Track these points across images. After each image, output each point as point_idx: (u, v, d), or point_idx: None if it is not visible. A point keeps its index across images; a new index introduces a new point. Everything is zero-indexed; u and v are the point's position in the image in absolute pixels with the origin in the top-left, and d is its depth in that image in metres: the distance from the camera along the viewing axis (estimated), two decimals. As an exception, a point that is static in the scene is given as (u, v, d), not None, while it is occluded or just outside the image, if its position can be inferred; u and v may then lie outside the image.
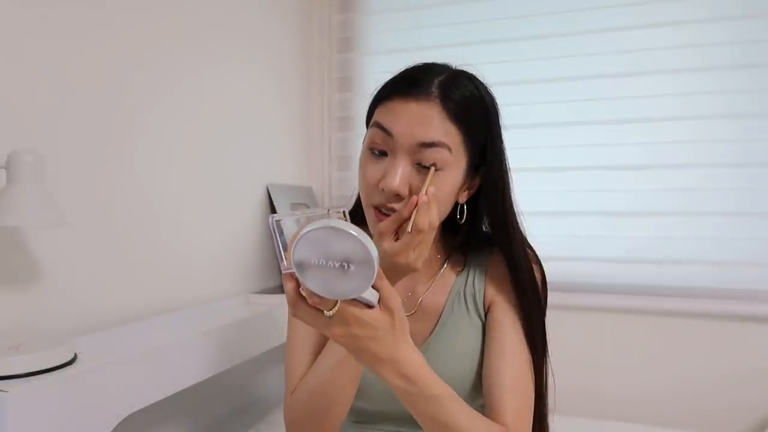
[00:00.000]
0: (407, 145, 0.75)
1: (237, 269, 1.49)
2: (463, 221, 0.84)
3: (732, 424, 1.49)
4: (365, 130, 0.84)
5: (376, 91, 0.83)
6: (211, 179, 1.38)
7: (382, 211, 0.77)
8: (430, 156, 0.75)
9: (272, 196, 1.62)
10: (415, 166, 0.76)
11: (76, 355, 0.85)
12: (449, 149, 0.76)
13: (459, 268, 0.92)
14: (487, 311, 0.88)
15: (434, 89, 0.77)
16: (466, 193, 0.84)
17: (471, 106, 0.79)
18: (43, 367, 0.77)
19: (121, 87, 1.11)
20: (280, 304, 1.36)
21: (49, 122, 0.97)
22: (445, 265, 0.91)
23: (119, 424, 0.87)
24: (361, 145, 0.84)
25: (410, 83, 0.78)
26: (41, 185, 0.83)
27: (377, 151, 0.78)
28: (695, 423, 1.50)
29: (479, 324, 0.87)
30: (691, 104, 1.55)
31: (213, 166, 1.39)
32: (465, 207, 0.84)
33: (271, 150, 1.68)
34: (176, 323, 1.13)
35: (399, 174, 0.75)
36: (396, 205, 0.76)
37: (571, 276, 1.63)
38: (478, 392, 0.84)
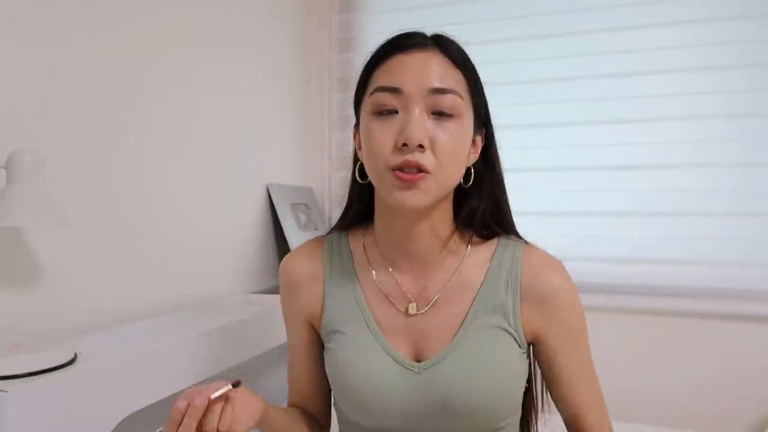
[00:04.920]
0: (419, 95, 0.71)
1: (237, 269, 1.49)
2: (469, 185, 0.79)
3: (732, 423, 1.49)
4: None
5: (365, 63, 0.78)
6: (211, 179, 1.38)
7: (404, 171, 0.71)
8: (443, 102, 0.72)
9: (272, 196, 1.62)
10: (431, 115, 0.72)
11: (76, 355, 0.85)
12: (461, 96, 0.73)
13: (480, 266, 0.81)
14: (527, 334, 0.79)
15: (429, 42, 0.75)
16: (472, 155, 0.79)
17: (468, 57, 0.78)
18: (43, 367, 0.77)
19: (120, 87, 1.11)
20: (279, 304, 1.36)
21: (49, 122, 0.97)
22: (465, 259, 0.81)
23: (119, 424, 0.87)
24: None
25: (404, 39, 0.75)
26: (41, 185, 0.83)
27: (386, 111, 0.73)
28: (695, 423, 1.50)
29: (509, 337, 0.78)
30: (692, 104, 1.55)
31: (213, 166, 1.39)
32: (471, 171, 0.79)
33: (271, 150, 1.68)
34: (176, 323, 1.13)
35: (420, 123, 0.71)
36: (420, 158, 0.70)
37: (572, 276, 1.62)
38: (501, 404, 0.76)
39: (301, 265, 0.86)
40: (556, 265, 0.82)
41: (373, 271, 0.82)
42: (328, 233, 0.89)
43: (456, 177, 0.75)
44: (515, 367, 0.78)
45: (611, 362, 1.60)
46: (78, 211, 1.02)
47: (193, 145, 1.32)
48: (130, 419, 0.89)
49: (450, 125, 0.72)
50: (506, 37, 1.70)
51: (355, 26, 1.86)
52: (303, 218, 1.71)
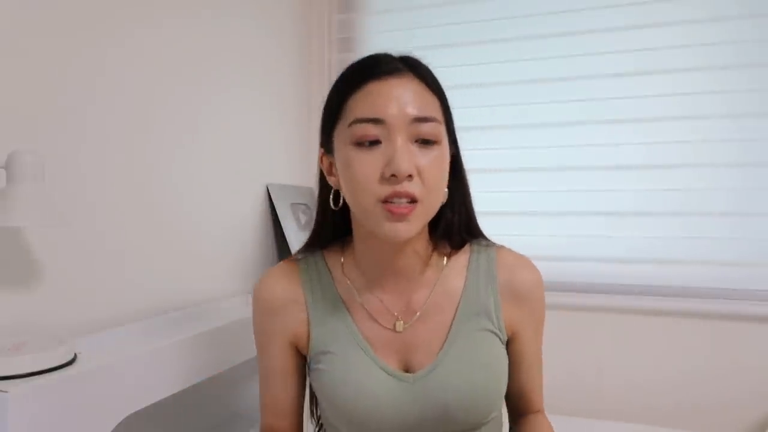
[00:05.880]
0: (401, 123, 0.71)
1: (237, 269, 1.49)
2: (443, 203, 0.79)
3: (731, 424, 1.49)
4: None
5: (335, 87, 0.77)
6: (211, 179, 1.38)
7: (394, 202, 0.70)
8: (425, 130, 0.72)
9: (272, 196, 1.62)
10: (414, 144, 0.72)
11: (76, 355, 0.85)
12: (439, 121, 0.74)
13: (458, 273, 0.84)
14: (507, 330, 0.83)
15: (401, 66, 0.74)
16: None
17: (438, 79, 0.78)
18: (43, 367, 0.77)
19: (120, 87, 1.11)
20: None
21: (49, 122, 0.97)
22: (444, 270, 0.83)
23: (119, 424, 0.87)
24: None
25: (375, 65, 0.74)
26: (41, 185, 0.83)
27: (368, 143, 0.72)
28: (695, 423, 1.50)
29: (494, 337, 0.81)
30: (692, 104, 1.55)
31: (213, 166, 1.39)
32: (447, 190, 0.80)
33: (271, 150, 1.68)
34: (176, 323, 1.13)
35: (407, 154, 0.70)
36: (408, 187, 0.70)
37: (571, 276, 1.63)
38: (494, 401, 0.80)
39: (280, 291, 0.84)
40: (528, 263, 0.86)
41: (356, 291, 0.83)
42: (301, 253, 0.88)
43: (440, 201, 0.77)
44: (501, 364, 0.81)
45: (611, 362, 1.60)
46: (78, 211, 1.02)
47: (193, 145, 1.32)
48: (130, 419, 0.89)
49: (433, 152, 0.73)
50: (506, 37, 1.69)
51: (355, 26, 1.86)
52: (303, 218, 1.71)
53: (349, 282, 0.83)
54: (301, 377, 0.88)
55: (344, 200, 0.79)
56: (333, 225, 0.86)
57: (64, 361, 0.81)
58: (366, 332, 0.80)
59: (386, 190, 0.70)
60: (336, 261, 0.85)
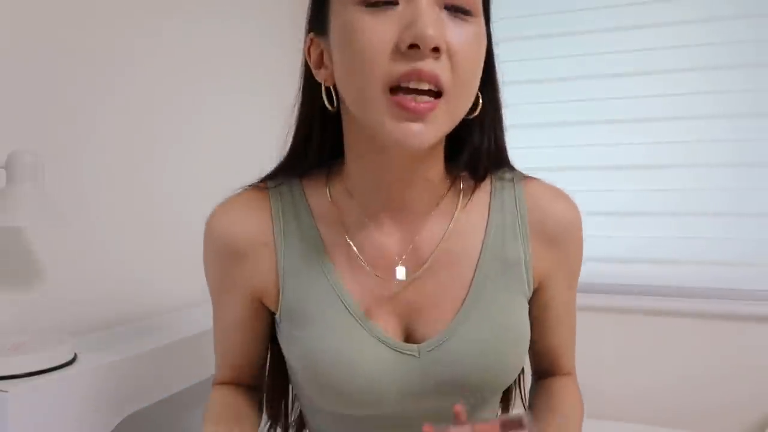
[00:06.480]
0: None
1: (237, 269, 1.49)
2: (476, 113, 0.60)
3: (731, 423, 1.49)
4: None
5: None
6: (211, 179, 1.38)
7: (410, 91, 0.51)
8: None
9: (272, 196, 1.62)
10: (444, 11, 0.53)
11: (76, 355, 0.85)
12: None
13: (479, 213, 0.66)
14: (535, 281, 0.67)
15: None
16: None
17: None
18: (43, 367, 0.78)
19: (120, 87, 1.11)
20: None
21: (49, 122, 0.97)
22: (458, 208, 0.65)
23: (119, 424, 0.87)
24: None
25: None
26: (41, 185, 0.83)
27: (381, 2, 0.52)
28: (694, 423, 1.50)
29: (521, 297, 0.65)
30: (691, 104, 1.55)
31: (213, 166, 1.39)
32: (479, 95, 0.59)
33: (271, 150, 1.67)
34: (176, 323, 1.13)
35: (434, 16, 0.51)
36: (435, 67, 0.51)
37: (571, 276, 1.63)
38: (515, 371, 0.65)
39: (244, 229, 0.65)
40: (563, 196, 0.70)
41: (345, 229, 0.63)
42: (271, 180, 0.71)
43: (468, 103, 0.57)
44: (526, 327, 0.65)
45: (610, 362, 1.60)
46: (77, 211, 1.02)
47: (193, 146, 1.32)
48: (130, 419, 0.89)
49: (469, 25, 0.53)
50: (507, 37, 1.69)
51: (355, 26, 1.86)
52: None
53: (337, 216, 0.64)
54: (265, 330, 0.70)
55: (337, 112, 0.61)
56: (319, 143, 0.67)
57: (64, 361, 0.81)
58: (356, 288, 0.62)
59: (402, 66, 0.50)
60: (319, 192, 0.66)
